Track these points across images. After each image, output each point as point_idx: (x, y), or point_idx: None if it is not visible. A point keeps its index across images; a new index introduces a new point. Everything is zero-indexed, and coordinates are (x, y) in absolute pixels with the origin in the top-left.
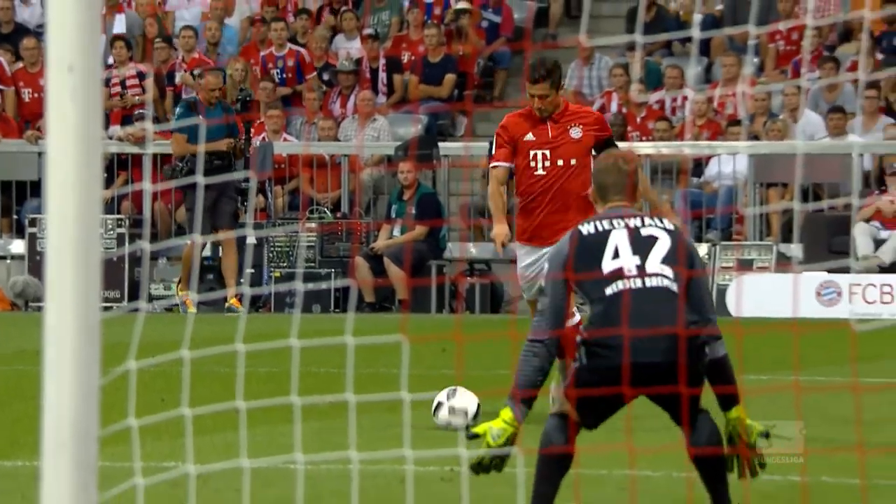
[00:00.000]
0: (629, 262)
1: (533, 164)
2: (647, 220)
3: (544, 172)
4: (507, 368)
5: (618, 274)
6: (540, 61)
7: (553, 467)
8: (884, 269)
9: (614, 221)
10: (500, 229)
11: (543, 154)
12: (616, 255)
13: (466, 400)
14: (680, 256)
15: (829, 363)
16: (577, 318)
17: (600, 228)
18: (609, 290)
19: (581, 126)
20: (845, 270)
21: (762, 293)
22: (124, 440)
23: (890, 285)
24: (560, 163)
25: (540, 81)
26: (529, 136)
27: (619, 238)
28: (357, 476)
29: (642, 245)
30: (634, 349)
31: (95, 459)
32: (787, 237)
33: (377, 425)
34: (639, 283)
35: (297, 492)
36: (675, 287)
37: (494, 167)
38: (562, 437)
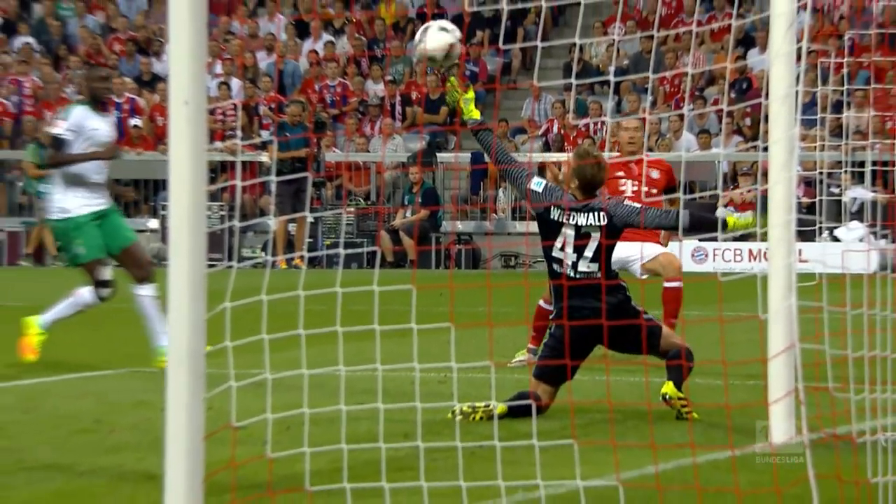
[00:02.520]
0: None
1: None
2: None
3: None
4: (484, 306)
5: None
6: None
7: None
8: (736, 239)
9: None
10: None
11: None
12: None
13: (436, 43)
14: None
15: (702, 304)
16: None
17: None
18: None
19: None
20: (712, 239)
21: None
22: (222, 355)
23: (741, 249)
24: None
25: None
26: None
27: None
28: (381, 379)
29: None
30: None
31: (203, 369)
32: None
33: (394, 346)
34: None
35: (340, 391)
36: None
37: None
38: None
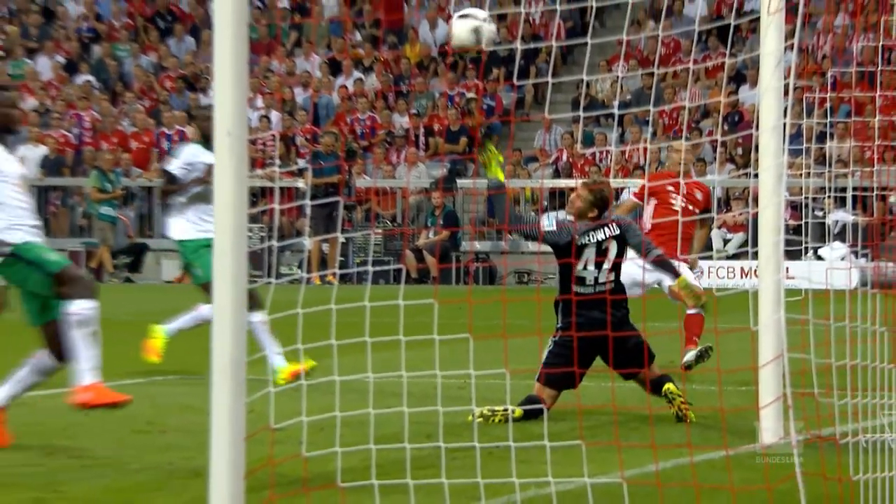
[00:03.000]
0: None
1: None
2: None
3: None
4: (500, 319)
5: None
6: None
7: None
8: (730, 257)
9: None
10: None
11: None
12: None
13: (460, 32)
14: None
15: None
16: None
17: None
18: None
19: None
20: (708, 258)
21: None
22: (261, 363)
23: (734, 267)
24: None
25: None
26: None
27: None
28: (406, 385)
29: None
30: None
31: (244, 376)
32: None
33: (418, 355)
34: None
35: (369, 395)
36: None
37: None
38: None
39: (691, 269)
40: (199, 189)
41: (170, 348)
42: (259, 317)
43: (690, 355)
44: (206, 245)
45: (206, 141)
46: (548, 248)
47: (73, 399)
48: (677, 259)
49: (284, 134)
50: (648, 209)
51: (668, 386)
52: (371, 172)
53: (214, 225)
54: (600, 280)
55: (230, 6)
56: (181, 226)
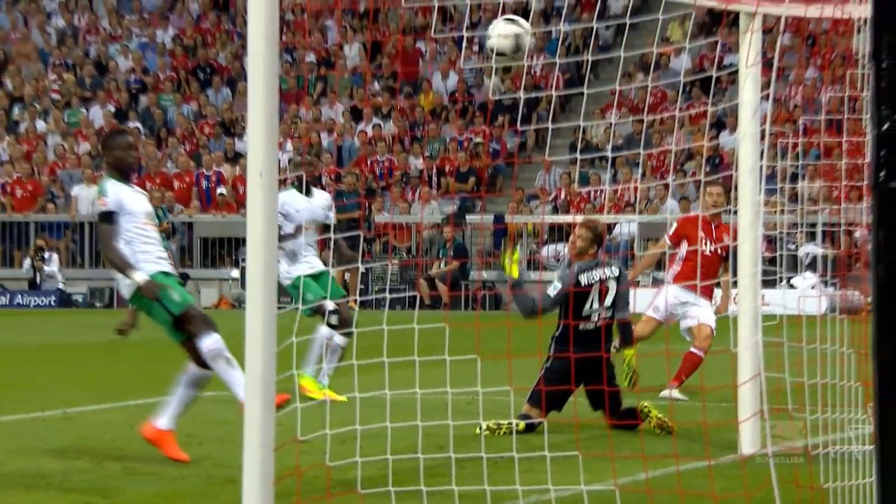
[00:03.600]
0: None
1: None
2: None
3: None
4: (505, 341)
5: None
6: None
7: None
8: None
9: None
10: None
11: None
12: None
13: (503, 33)
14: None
15: (683, 340)
16: None
17: None
18: None
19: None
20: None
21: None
22: (289, 381)
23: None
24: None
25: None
26: None
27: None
28: (419, 401)
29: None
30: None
31: (273, 393)
32: (659, 268)
33: (430, 373)
34: None
35: (386, 410)
36: None
37: None
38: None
39: (717, 313)
40: (307, 229)
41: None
42: (341, 340)
43: (666, 393)
44: (308, 276)
45: (303, 187)
46: (549, 277)
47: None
48: (708, 299)
49: (310, 175)
50: (681, 252)
51: (642, 404)
52: (389, 209)
53: (248, 256)
54: (602, 315)
55: (263, 61)
56: (289, 267)
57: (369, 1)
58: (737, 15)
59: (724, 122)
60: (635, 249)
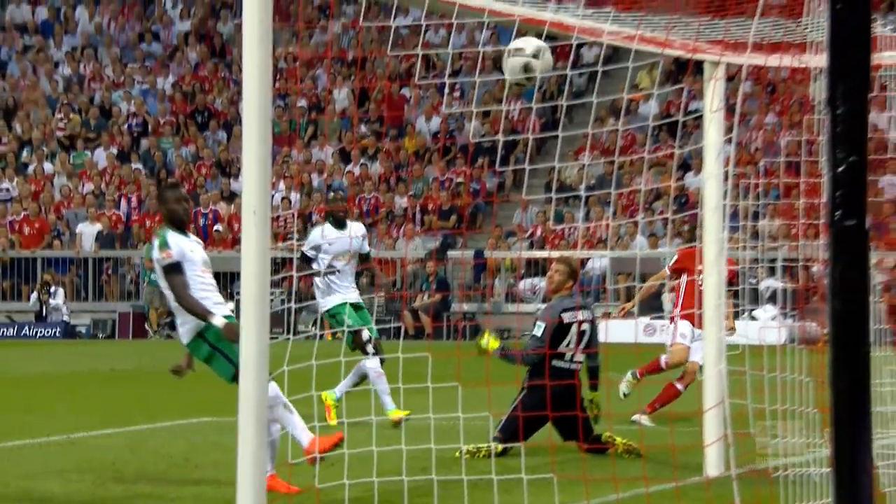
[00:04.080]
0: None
1: None
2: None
3: None
4: (484, 370)
5: None
6: None
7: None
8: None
9: None
10: None
11: None
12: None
13: (512, 68)
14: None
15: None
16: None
17: None
18: None
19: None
20: (659, 317)
21: (616, 330)
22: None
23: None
24: None
25: None
26: None
27: None
28: (404, 425)
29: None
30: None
31: (266, 419)
32: (629, 300)
33: (414, 399)
34: None
35: (373, 434)
36: None
37: None
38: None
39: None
40: (339, 263)
41: (203, 394)
42: (374, 363)
43: (637, 417)
44: (345, 305)
45: (334, 221)
46: (527, 309)
47: (307, 456)
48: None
49: (302, 212)
50: (682, 284)
51: (606, 435)
52: (375, 245)
53: (242, 290)
54: (576, 358)
55: (256, 106)
56: (326, 298)
57: (357, 50)
58: (701, 63)
59: (690, 163)
60: (607, 283)
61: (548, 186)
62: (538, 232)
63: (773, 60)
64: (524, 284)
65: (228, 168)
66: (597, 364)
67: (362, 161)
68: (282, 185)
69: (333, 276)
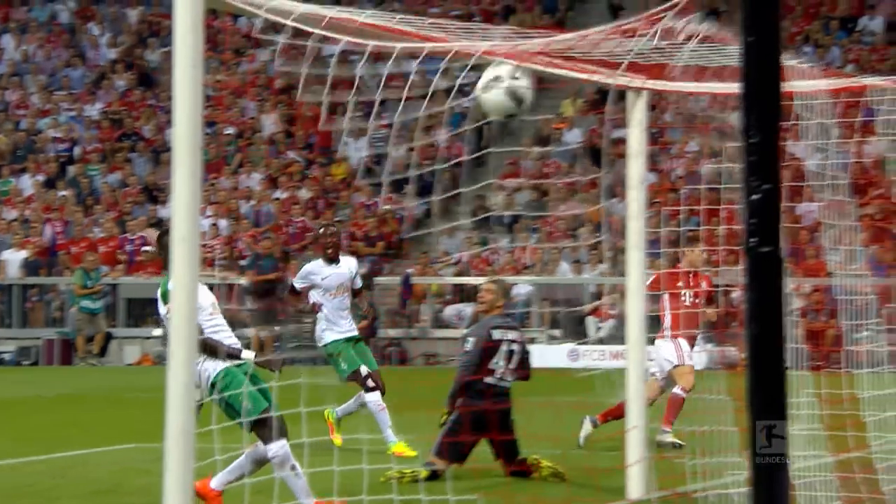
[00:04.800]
0: None
1: None
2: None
3: None
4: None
5: None
6: None
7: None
8: (600, 342)
9: None
10: None
11: None
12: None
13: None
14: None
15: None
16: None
17: None
18: None
19: None
20: (584, 343)
21: (540, 355)
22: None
23: (605, 351)
24: None
25: None
26: None
27: None
28: (336, 451)
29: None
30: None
31: (193, 445)
32: (553, 325)
33: (346, 423)
34: None
35: (304, 457)
36: None
37: None
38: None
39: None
40: (333, 298)
41: (129, 420)
42: (375, 397)
43: (667, 437)
44: (345, 341)
45: (325, 256)
46: (453, 335)
47: None
48: (690, 342)
49: (230, 239)
50: (665, 302)
51: (531, 458)
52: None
53: (172, 316)
54: (506, 377)
55: (186, 134)
56: (323, 332)
57: (284, 79)
58: (624, 93)
59: (614, 190)
60: (531, 308)
61: (474, 213)
62: (464, 257)
63: (695, 88)
64: (449, 311)
65: (157, 194)
66: (527, 379)
67: (291, 187)
68: (210, 212)
69: (329, 312)
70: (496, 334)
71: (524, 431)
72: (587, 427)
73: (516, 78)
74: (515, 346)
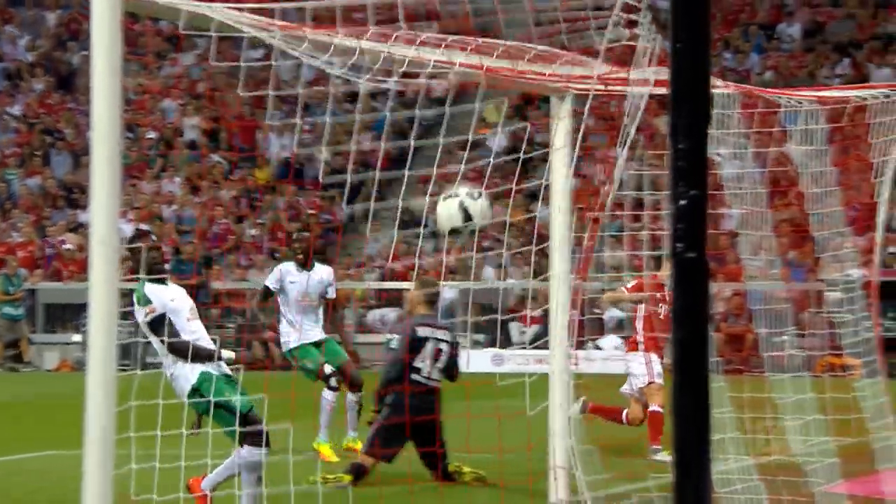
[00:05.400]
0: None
1: None
2: None
3: None
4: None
5: None
6: None
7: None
8: (526, 347)
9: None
10: None
11: None
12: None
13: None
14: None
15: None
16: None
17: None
18: None
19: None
20: (507, 347)
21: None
22: (127, 442)
23: (529, 356)
24: None
25: None
26: None
27: None
28: (265, 458)
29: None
30: None
31: (112, 451)
32: (478, 331)
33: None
34: None
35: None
36: None
37: None
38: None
39: None
40: (301, 302)
41: (46, 428)
42: (354, 397)
43: (659, 455)
44: (310, 345)
45: (296, 260)
46: (374, 339)
47: None
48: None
49: (154, 244)
50: (640, 312)
51: (453, 466)
52: (226, 275)
53: (90, 321)
54: (433, 376)
55: (106, 137)
56: (289, 335)
57: (206, 84)
58: (548, 98)
59: (538, 196)
60: (456, 312)
61: (399, 218)
62: (388, 262)
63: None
64: (373, 315)
65: (76, 198)
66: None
67: (213, 190)
68: (131, 216)
69: (295, 316)
70: (421, 332)
71: (451, 437)
72: (576, 407)
73: (474, 197)
74: (444, 346)
